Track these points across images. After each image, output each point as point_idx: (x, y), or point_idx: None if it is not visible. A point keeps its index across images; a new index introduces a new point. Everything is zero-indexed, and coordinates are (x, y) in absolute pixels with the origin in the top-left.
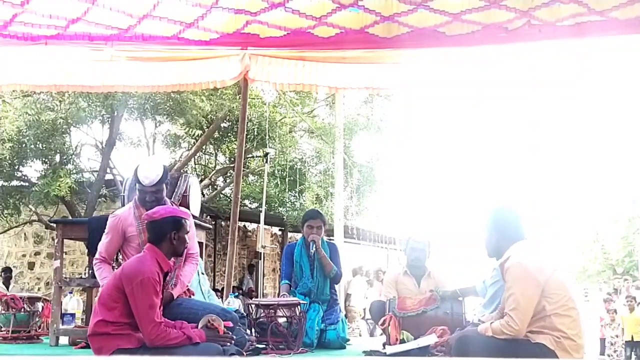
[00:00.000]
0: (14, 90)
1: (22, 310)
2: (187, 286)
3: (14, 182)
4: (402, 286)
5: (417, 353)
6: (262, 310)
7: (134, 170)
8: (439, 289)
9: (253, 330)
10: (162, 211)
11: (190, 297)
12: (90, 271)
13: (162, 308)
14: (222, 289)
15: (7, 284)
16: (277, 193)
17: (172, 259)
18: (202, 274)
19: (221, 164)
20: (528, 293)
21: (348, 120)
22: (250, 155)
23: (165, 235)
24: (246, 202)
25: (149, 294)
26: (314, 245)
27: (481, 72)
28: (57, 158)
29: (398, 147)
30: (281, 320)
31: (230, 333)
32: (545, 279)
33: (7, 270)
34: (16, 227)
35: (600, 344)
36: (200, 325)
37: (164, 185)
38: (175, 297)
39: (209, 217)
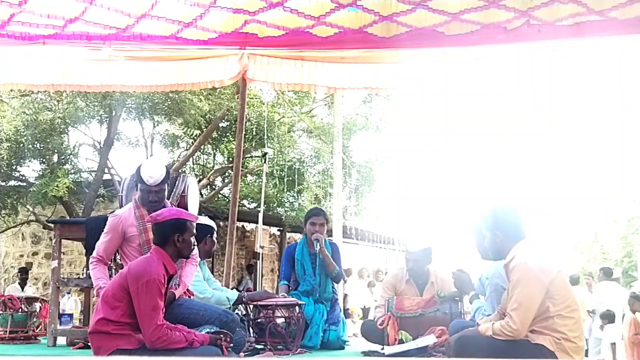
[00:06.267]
0: (11, 90)
1: (20, 310)
2: (188, 286)
3: (12, 182)
4: (403, 294)
5: (415, 353)
6: (260, 311)
7: (136, 170)
8: (440, 290)
9: (251, 330)
10: (166, 213)
11: (189, 297)
12: (88, 271)
13: (164, 310)
14: None
15: (22, 284)
16: (275, 193)
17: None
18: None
19: (219, 163)
20: (531, 294)
21: (347, 120)
22: (248, 155)
23: (169, 237)
24: (244, 202)
25: (154, 295)
26: (318, 244)
27: (480, 72)
28: (55, 158)
29: (397, 147)
30: (279, 320)
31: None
32: (550, 280)
33: (24, 271)
34: (14, 227)
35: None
36: (209, 331)
37: (166, 186)
38: (177, 297)
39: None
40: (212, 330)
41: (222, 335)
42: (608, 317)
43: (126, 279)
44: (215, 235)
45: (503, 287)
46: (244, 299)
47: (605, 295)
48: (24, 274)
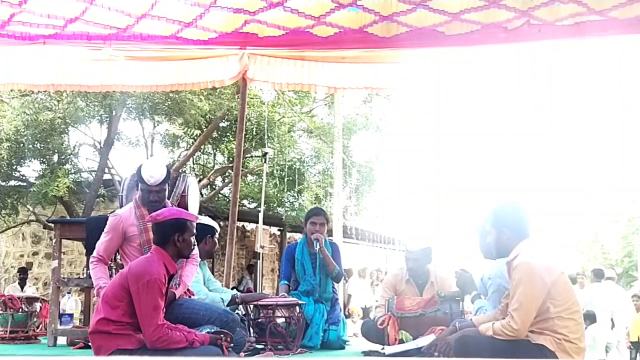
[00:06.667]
0: (12, 90)
1: (20, 310)
2: (188, 286)
3: (12, 182)
4: (403, 294)
5: (416, 353)
6: (260, 311)
7: (137, 170)
8: (441, 291)
9: (252, 330)
10: (166, 213)
11: (190, 297)
12: (88, 271)
13: (164, 309)
14: None
15: (22, 284)
16: (275, 193)
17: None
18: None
19: (220, 163)
20: (533, 294)
21: (347, 120)
22: (248, 155)
23: (169, 237)
24: (245, 202)
25: (154, 295)
26: (318, 244)
27: (480, 72)
28: (55, 158)
29: (397, 146)
30: (280, 320)
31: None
32: (553, 281)
33: (23, 271)
34: (14, 227)
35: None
36: (210, 331)
37: (166, 185)
38: (177, 297)
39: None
40: (213, 330)
41: (222, 335)
42: (589, 318)
43: (127, 279)
44: (216, 235)
45: (505, 287)
46: (237, 300)
47: (594, 296)
48: (23, 274)
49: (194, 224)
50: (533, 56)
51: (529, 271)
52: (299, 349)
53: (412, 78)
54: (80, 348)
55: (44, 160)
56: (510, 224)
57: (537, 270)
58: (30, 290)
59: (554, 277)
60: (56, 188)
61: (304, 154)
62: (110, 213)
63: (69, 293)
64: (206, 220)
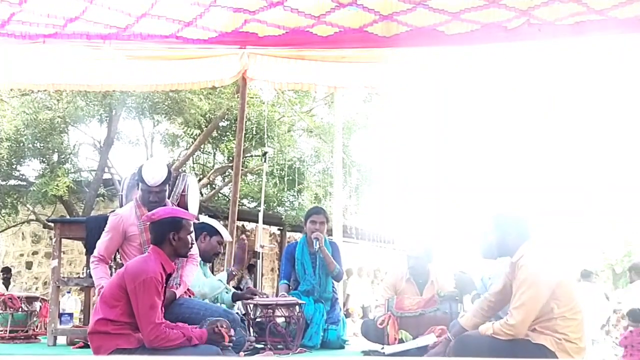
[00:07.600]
0: (11, 89)
1: (20, 309)
2: (188, 286)
3: (12, 182)
4: (403, 293)
5: (415, 353)
6: (260, 310)
7: (138, 170)
8: (441, 290)
9: (251, 330)
10: (162, 212)
11: (190, 297)
12: (88, 271)
13: (163, 309)
14: None
15: (6, 284)
16: (275, 192)
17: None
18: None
19: (219, 163)
20: (537, 295)
21: (347, 119)
22: (248, 155)
23: (165, 236)
24: (245, 201)
25: (151, 294)
26: (317, 243)
27: (480, 71)
28: (55, 157)
29: (397, 146)
30: (279, 320)
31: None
32: (557, 282)
33: (7, 270)
34: (14, 226)
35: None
36: (206, 325)
37: (167, 186)
38: (177, 296)
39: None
40: (218, 324)
41: (217, 323)
42: None
43: (124, 278)
44: (217, 238)
45: None
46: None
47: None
48: (6, 273)
49: (191, 223)
50: (533, 56)
51: (534, 272)
52: (299, 349)
53: (412, 78)
54: (80, 347)
55: (44, 159)
56: (514, 224)
57: (543, 271)
58: (14, 290)
59: (558, 278)
60: (56, 187)
61: (304, 153)
62: (110, 212)
63: (68, 292)
64: (204, 219)
